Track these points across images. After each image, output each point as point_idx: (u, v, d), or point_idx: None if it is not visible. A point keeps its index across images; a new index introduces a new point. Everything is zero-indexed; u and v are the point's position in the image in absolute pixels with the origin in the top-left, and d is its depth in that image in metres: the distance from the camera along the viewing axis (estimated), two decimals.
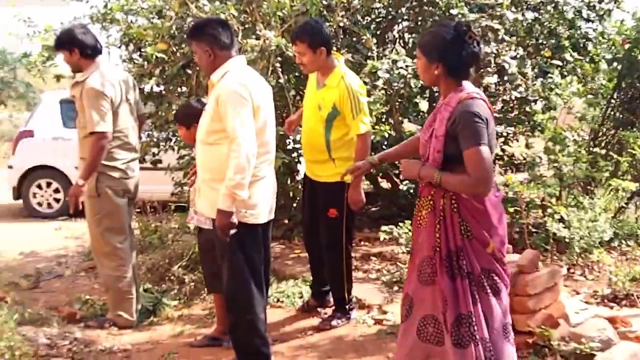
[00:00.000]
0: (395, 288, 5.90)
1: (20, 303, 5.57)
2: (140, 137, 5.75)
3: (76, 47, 5.10)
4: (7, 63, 19.98)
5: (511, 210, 6.41)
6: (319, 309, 5.49)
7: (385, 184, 8.63)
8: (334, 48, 5.27)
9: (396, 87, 6.28)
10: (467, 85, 3.35)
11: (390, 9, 7.06)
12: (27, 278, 6.70)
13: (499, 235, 3.34)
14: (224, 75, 4.03)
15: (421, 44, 3.45)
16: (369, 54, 6.42)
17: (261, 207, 4.11)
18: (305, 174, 5.32)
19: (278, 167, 5.64)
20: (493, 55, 6.51)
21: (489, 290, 3.29)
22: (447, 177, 3.26)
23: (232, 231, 3.91)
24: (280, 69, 5.80)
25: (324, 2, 5.98)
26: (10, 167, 10.24)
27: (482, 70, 6.92)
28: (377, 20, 7.57)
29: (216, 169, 3.99)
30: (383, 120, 6.40)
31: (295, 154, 6.76)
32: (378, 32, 7.18)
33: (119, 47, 6.93)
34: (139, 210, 7.51)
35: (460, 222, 3.29)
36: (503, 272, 3.34)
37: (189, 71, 6.32)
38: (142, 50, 6.51)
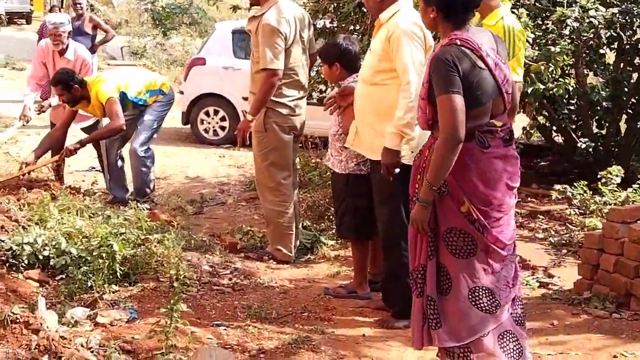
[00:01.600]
0: (564, 251, 5.63)
1: (186, 228, 5.74)
2: (309, 75, 5.69)
3: None
4: None
5: None
6: None
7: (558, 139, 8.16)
8: None
9: (585, 38, 5.81)
10: (464, 30, 3.13)
11: None
12: (192, 204, 6.92)
13: (480, 194, 3.12)
14: (395, 14, 3.99)
15: None
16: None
17: None
18: None
19: None
20: None
21: (453, 251, 3.15)
22: (430, 168, 3.10)
23: (397, 170, 3.90)
24: None
25: None
26: (181, 92, 10.56)
27: None
28: None
29: (382, 110, 3.98)
30: (567, 72, 5.96)
31: None
32: None
33: None
34: (300, 145, 7.54)
35: None
36: (483, 235, 3.12)
37: (365, 10, 6.14)
38: None
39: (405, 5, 4.05)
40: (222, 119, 10.22)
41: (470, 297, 3.15)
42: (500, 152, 3.15)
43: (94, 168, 7.82)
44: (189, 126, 10.45)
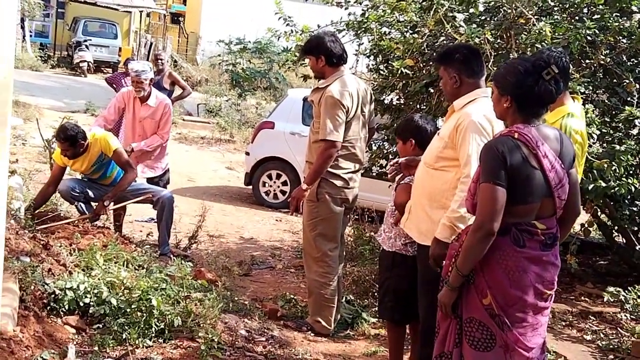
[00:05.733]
0: (611, 356, 5.36)
1: (230, 289, 5.74)
2: (369, 148, 5.71)
3: (323, 54, 5.15)
4: (266, 54, 21.09)
5: None
6: None
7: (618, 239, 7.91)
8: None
9: None
10: (531, 126, 3.10)
11: None
12: (240, 265, 6.93)
13: (504, 291, 3.05)
14: (469, 103, 3.92)
15: (496, 73, 3.30)
16: (628, 99, 5.88)
17: None
18: None
19: None
20: None
21: (470, 341, 3.11)
22: (460, 254, 3.13)
23: (444, 263, 3.75)
24: None
25: (588, 38, 5.52)
26: (247, 153, 10.76)
27: None
28: None
29: (436, 196, 3.92)
30: (631, 172, 5.81)
31: None
32: None
33: (368, 56, 6.94)
34: (356, 217, 7.52)
35: None
36: (502, 331, 3.05)
37: (432, 90, 6.17)
38: (390, 62, 6.46)
39: (482, 94, 3.94)
40: (284, 183, 10.33)
41: None
42: (534, 254, 3.07)
43: (153, 219, 7.96)
44: (250, 187, 10.59)
